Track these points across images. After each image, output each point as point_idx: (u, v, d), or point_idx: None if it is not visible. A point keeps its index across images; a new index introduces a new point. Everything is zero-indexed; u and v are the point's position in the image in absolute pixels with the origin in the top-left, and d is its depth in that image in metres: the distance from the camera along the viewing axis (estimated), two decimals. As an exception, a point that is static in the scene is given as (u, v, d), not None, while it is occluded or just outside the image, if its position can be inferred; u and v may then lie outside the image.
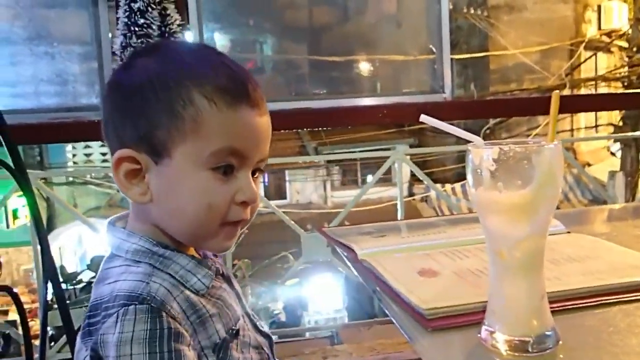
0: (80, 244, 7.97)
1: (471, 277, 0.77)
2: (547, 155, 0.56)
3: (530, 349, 0.58)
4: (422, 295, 0.71)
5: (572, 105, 2.16)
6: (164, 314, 0.67)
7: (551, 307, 0.61)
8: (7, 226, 6.62)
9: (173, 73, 0.74)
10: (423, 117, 0.65)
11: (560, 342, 0.60)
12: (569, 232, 1.00)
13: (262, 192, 0.79)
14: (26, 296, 6.82)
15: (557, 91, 0.56)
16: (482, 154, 0.57)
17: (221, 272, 0.82)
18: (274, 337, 0.85)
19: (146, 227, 0.76)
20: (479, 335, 0.62)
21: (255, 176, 0.78)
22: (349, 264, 0.97)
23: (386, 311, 0.77)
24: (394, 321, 0.73)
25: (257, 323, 0.85)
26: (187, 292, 0.72)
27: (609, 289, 0.71)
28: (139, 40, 1.44)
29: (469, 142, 0.62)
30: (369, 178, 7.86)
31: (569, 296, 0.70)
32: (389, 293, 0.77)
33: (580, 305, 0.68)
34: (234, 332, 0.76)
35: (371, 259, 0.89)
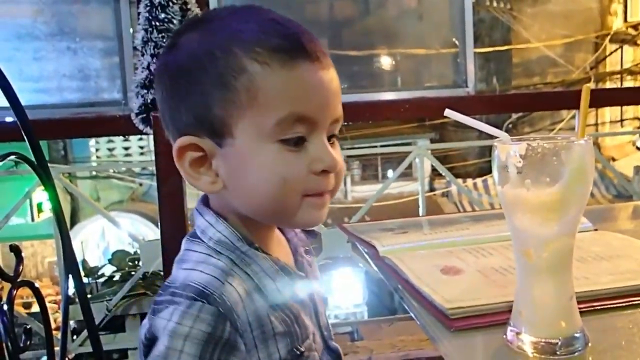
0: (103, 238, 8.07)
1: (496, 276, 0.76)
2: (578, 152, 0.54)
3: (558, 352, 0.57)
4: (446, 294, 0.69)
5: (600, 99, 2.11)
6: (228, 322, 0.63)
7: (580, 308, 0.59)
8: (32, 219, 6.74)
9: (219, 43, 0.67)
10: (447, 112, 0.64)
11: (590, 344, 0.58)
12: (596, 230, 0.98)
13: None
14: (51, 289, 6.94)
15: (588, 85, 0.54)
16: (508, 150, 0.55)
17: (307, 268, 0.78)
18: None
19: (229, 215, 0.72)
20: (504, 336, 0.61)
21: (331, 141, 0.71)
22: (370, 260, 0.96)
23: (408, 309, 0.76)
24: (416, 320, 0.72)
25: (328, 338, 0.80)
26: (258, 304, 0.67)
27: (640, 290, 0.69)
28: (160, 35, 1.44)
29: (493, 137, 0.60)
30: (390, 173, 7.82)
31: (599, 296, 0.67)
32: (410, 291, 0.76)
33: (611, 306, 0.66)
34: (298, 353, 0.71)
35: (393, 255, 0.87)
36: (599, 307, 0.66)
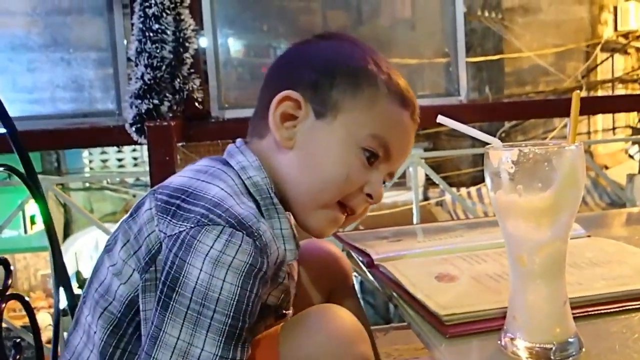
0: (97, 249, 8.03)
1: (490, 282, 0.76)
2: (569, 157, 0.54)
3: (552, 357, 0.57)
4: (440, 301, 0.69)
5: (591, 106, 2.13)
6: (265, 256, 0.67)
7: (574, 313, 0.59)
8: (25, 232, 6.69)
9: (368, 60, 0.80)
10: (440, 118, 0.64)
11: (584, 350, 0.58)
12: (589, 236, 0.98)
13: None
14: (44, 301, 6.88)
15: (578, 91, 0.55)
16: (500, 156, 0.56)
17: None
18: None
19: (270, 167, 0.78)
20: (498, 342, 0.61)
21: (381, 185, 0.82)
22: (364, 268, 0.96)
23: (403, 317, 0.76)
24: (412, 327, 0.72)
25: None
26: (279, 252, 0.72)
27: (634, 295, 0.69)
28: (154, 46, 1.44)
29: (486, 144, 0.61)
30: (384, 182, 7.82)
31: (592, 302, 0.68)
32: (406, 298, 0.76)
33: (604, 311, 0.67)
34: (281, 313, 0.80)
35: (387, 263, 0.88)
36: (592, 313, 0.66)
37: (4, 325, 0.80)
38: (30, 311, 0.88)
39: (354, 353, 0.69)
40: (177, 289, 0.63)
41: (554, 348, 0.57)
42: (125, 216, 0.74)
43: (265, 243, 0.67)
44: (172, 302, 0.63)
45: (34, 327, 0.92)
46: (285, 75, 0.81)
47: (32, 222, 6.76)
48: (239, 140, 0.82)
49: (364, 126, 0.77)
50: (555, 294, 0.58)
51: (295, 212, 0.79)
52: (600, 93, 7.61)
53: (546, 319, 0.58)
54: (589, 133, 7.85)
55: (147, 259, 0.68)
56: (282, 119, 0.78)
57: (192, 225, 0.64)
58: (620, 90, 7.55)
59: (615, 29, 7.45)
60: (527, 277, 0.58)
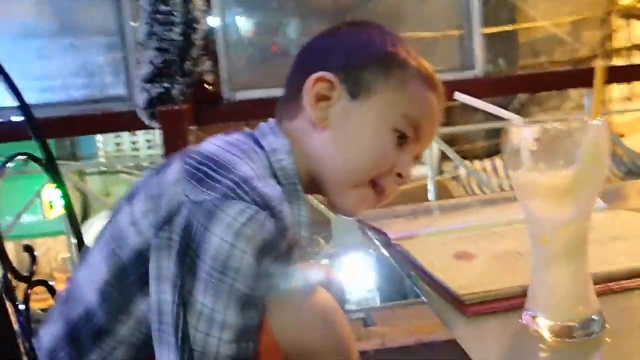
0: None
1: (510, 260, 0.75)
2: (593, 133, 0.52)
3: (575, 335, 0.56)
4: (460, 280, 0.69)
5: (609, 76, 2.07)
6: (284, 238, 0.70)
7: (596, 289, 0.58)
8: (44, 216, 6.78)
9: (398, 46, 0.83)
10: (457, 95, 0.63)
11: (607, 326, 0.57)
12: (609, 209, 0.97)
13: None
14: (64, 284, 7.01)
15: (602, 63, 0.53)
16: (521, 133, 0.54)
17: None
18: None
19: (304, 148, 0.81)
20: (520, 320, 0.60)
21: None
22: (382, 248, 0.95)
23: (422, 296, 0.76)
24: (431, 306, 0.71)
25: None
26: (296, 237, 0.77)
27: (657, 269, 0.67)
28: (162, 28, 1.43)
29: (500, 118, 0.59)
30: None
31: (615, 277, 0.66)
32: (424, 278, 0.75)
33: (627, 287, 0.65)
34: None
35: (404, 242, 0.87)
36: (615, 288, 0.65)
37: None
38: (55, 295, 0.89)
39: (334, 329, 0.77)
40: (198, 254, 0.65)
41: (577, 326, 0.56)
42: (150, 171, 0.76)
43: (286, 226, 0.70)
44: (191, 264, 0.66)
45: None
46: (318, 59, 0.83)
47: (51, 207, 6.84)
48: (271, 120, 0.85)
49: (396, 107, 0.80)
50: (578, 273, 0.57)
51: (328, 191, 0.83)
52: (616, 61, 7.46)
53: (568, 297, 0.57)
54: (604, 102, 7.71)
55: (165, 218, 0.69)
56: (317, 100, 0.80)
57: (218, 196, 0.66)
58: (637, 58, 7.39)
59: (632, -6, 7.26)
60: (549, 257, 0.57)
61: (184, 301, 0.66)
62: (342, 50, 0.83)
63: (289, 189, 0.78)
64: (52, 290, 0.89)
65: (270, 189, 0.71)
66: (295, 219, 0.77)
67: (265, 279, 0.69)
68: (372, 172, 0.81)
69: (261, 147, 0.78)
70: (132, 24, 1.84)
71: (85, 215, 7.63)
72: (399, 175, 0.83)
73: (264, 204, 0.68)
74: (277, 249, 0.69)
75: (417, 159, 0.89)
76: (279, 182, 0.77)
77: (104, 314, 0.74)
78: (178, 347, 0.66)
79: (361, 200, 0.83)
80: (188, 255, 0.66)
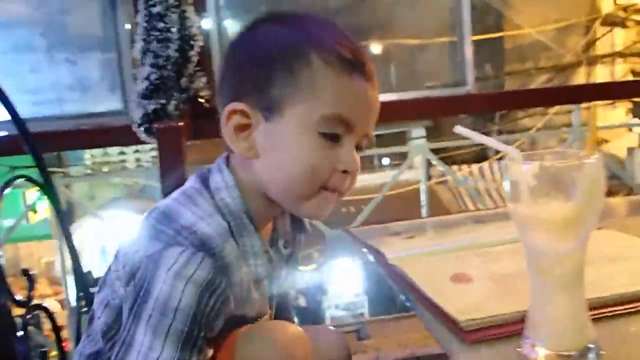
0: (99, 237, 8.03)
1: (507, 283, 0.76)
2: (589, 170, 0.54)
3: (573, 363, 0.58)
4: (458, 305, 0.70)
5: (592, 94, 2.09)
6: (225, 277, 0.72)
7: (592, 315, 0.60)
8: (27, 220, 6.70)
9: (295, 37, 0.78)
10: (457, 129, 0.64)
11: (603, 352, 0.59)
12: (600, 228, 0.98)
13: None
14: (48, 288, 6.90)
15: (595, 103, 0.54)
16: (521, 169, 0.56)
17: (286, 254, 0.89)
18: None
19: (249, 177, 0.80)
20: (518, 349, 0.61)
21: (357, 152, 0.80)
22: (378, 266, 0.96)
23: (420, 319, 0.77)
24: (429, 331, 0.72)
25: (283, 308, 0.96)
26: (241, 273, 0.76)
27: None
28: (159, 45, 1.43)
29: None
30: (385, 160, 7.82)
31: (611, 301, 0.68)
32: (422, 300, 0.76)
33: (623, 311, 0.67)
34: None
35: (402, 263, 0.88)
36: (611, 313, 0.66)
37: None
38: (53, 322, 0.89)
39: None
40: (145, 299, 0.70)
41: (575, 355, 0.58)
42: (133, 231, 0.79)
43: (227, 264, 0.73)
44: (138, 309, 0.70)
45: (58, 338, 0.93)
46: (228, 85, 0.81)
47: (34, 212, 6.76)
48: (222, 156, 0.84)
49: (312, 114, 0.75)
50: (575, 302, 0.58)
51: (288, 208, 0.82)
52: (600, 67, 7.54)
53: (566, 327, 0.58)
54: (588, 108, 7.80)
55: (129, 274, 0.75)
56: (237, 131, 0.78)
57: (163, 245, 0.72)
58: (620, 65, 7.49)
59: (615, 2, 7.36)
60: (547, 287, 0.58)
61: (125, 344, 0.69)
62: (249, 65, 0.78)
63: (236, 223, 0.78)
64: (51, 317, 0.88)
65: (214, 227, 0.74)
66: (248, 250, 0.79)
67: (206, 316, 0.71)
68: (315, 180, 0.77)
69: (208, 187, 0.80)
70: (129, 40, 1.83)
71: (70, 219, 7.55)
72: (344, 171, 0.78)
73: (202, 246, 0.71)
74: (218, 287, 0.72)
75: (367, 140, 0.82)
76: (225, 219, 0.77)
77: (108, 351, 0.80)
78: None
79: (320, 206, 0.80)
80: (137, 304, 0.70)
